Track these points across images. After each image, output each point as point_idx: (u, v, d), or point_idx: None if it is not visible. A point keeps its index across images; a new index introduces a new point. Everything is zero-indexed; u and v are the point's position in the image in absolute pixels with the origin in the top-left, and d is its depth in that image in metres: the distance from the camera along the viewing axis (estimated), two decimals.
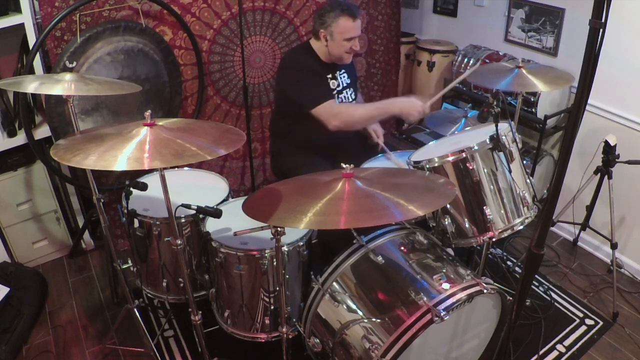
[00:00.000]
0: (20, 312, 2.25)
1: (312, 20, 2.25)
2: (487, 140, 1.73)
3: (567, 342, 2.22)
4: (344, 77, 2.39)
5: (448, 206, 1.83)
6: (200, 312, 1.76)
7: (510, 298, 1.70)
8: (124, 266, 2.06)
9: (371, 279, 1.74)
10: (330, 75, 2.32)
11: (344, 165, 1.41)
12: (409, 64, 3.75)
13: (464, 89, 3.18)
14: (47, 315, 2.39)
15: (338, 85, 2.36)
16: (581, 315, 2.37)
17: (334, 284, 1.76)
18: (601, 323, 2.32)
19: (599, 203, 2.52)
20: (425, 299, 1.54)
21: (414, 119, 2.20)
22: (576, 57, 2.63)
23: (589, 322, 2.34)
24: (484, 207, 1.76)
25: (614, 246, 2.41)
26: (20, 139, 2.38)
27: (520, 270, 2.60)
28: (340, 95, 2.37)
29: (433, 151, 1.92)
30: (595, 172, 2.41)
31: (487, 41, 3.21)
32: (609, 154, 2.30)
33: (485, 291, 1.59)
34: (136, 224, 1.96)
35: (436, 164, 1.77)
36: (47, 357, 2.16)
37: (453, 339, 1.73)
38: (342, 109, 2.20)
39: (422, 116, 2.23)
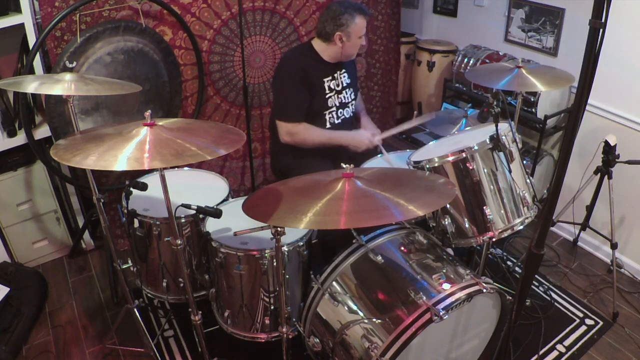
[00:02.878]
0: (20, 312, 2.25)
1: (320, 24, 2.26)
2: (487, 140, 1.73)
3: (567, 342, 2.22)
4: (344, 77, 2.39)
5: (448, 206, 1.83)
6: (200, 312, 1.76)
7: (510, 298, 1.70)
8: (124, 266, 2.06)
9: (371, 278, 1.74)
10: (329, 77, 2.33)
11: (344, 165, 1.41)
12: (409, 64, 3.75)
13: (464, 89, 3.18)
14: (47, 315, 2.39)
15: (338, 85, 2.36)
16: (581, 315, 2.37)
17: (334, 283, 1.76)
18: (601, 323, 2.32)
19: (599, 203, 2.52)
20: (424, 298, 1.54)
21: (360, 150, 2.32)
22: (576, 57, 2.62)
23: (589, 322, 2.34)
24: (484, 207, 1.76)
25: (614, 246, 2.41)
26: (20, 139, 2.38)
27: (520, 270, 2.60)
28: (340, 95, 2.38)
29: (433, 151, 1.92)
30: (595, 172, 2.41)
31: (487, 41, 3.22)
32: (609, 154, 2.30)
33: (484, 290, 1.59)
34: (136, 224, 1.96)
35: (436, 164, 1.78)
36: (47, 357, 2.16)
37: (453, 339, 1.73)
38: (299, 132, 2.27)
39: (371, 147, 2.34)
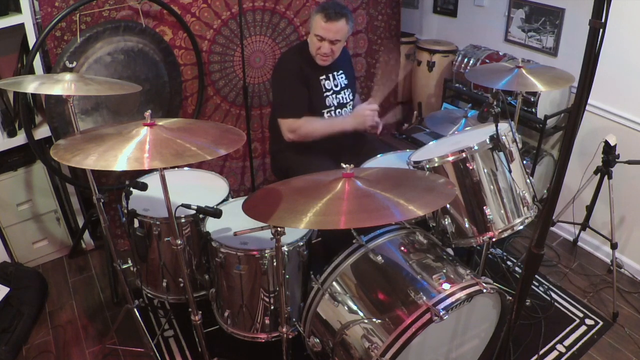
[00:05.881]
0: (20, 312, 2.25)
1: None
2: (487, 140, 1.73)
3: (567, 342, 2.22)
4: (341, 77, 2.39)
5: (448, 206, 1.83)
6: (200, 312, 1.76)
7: (510, 298, 1.70)
8: (124, 266, 2.05)
9: (371, 278, 1.74)
10: (324, 76, 2.32)
11: (344, 165, 1.41)
12: (409, 64, 3.75)
13: (464, 89, 3.18)
14: (47, 315, 2.39)
15: (336, 86, 2.36)
16: (581, 315, 2.37)
17: (334, 283, 1.76)
18: (601, 323, 2.32)
19: (599, 203, 2.52)
20: (424, 298, 1.54)
21: (370, 124, 2.27)
22: (576, 57, 2.62)
23: (589, 322, 2.34)
24: (484, 207, 1.76)
25: (614, 246, 2.41)
26: (20, 139, 2.38)
27: (520, 270, 2.60)
28: (338, 96, 2.38)
29: (433, 151, 1.92)
30: (595, 172, 2.41)
31: (487, 41, 3.21)
32: (609, 154, 2.30)
33: (484, 291, 1.59)
34: (136, 224, 1.96)
35: (436, 164, 1.78)
36: (47, 357, 2.16)
37: (453, 339, 1.73)
38: (301, 126, 2.25)
39: (374, 115, 2.28)
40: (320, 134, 2.27)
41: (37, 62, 2.24)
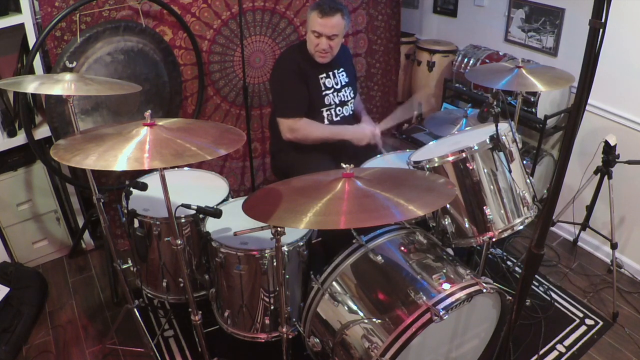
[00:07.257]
0: (20, 312, 2.25)
1: None
2: (487, 140, 1.73)
3: (567, 342, 2.22)
4: (342, 75, 2.39)
5: (448, 206, 1.83)
6: (200, 312, 1.76)
7: (510, 298, 1.70)
8: (124, 266, 2.06)
9: (371, 278, 1.74)
10: (324, 75, 2.33)
11: (344, 165, 1.41)
12: (409, 64, 3.75)
13: (464, 89, 3.18)
14: (47, 315, 2.39)
15: (337, 84, 2.36)
16: (581, 315, 2.37)
17: (334, 283, 1.76)
18: (601, 323, 2.32)
19: (599, 203, 2.52)
20: (424, 298, 1.54)
21: (364, 144, 2.32)
22: (576, 57, 2.62)
23: (589, 322, 2.34)
24: (484, 207, 1.76)
25: (614, 246, 2.41)
26: (20, 139, 2.38)
27: (520, 270, 2.60)
28: (339, 94, 2.38)
29: (433, 151, 1.92)
30: (595, 172, 2.41)
31: (487, 41, 3.21)
32: (609, 154, 2.30)
33: (484, 290, 1.59)
34: (136, 224, 1.96)
35: (436, 164, 1.78)
36: (47, 357, 2.16)
37: (453, 339, 1.73)
38: (301, 128, 2.26)
39: (373, 141, 2.34)
40: (319, 138, 2.28)
41: (37, 62, 2.24)
